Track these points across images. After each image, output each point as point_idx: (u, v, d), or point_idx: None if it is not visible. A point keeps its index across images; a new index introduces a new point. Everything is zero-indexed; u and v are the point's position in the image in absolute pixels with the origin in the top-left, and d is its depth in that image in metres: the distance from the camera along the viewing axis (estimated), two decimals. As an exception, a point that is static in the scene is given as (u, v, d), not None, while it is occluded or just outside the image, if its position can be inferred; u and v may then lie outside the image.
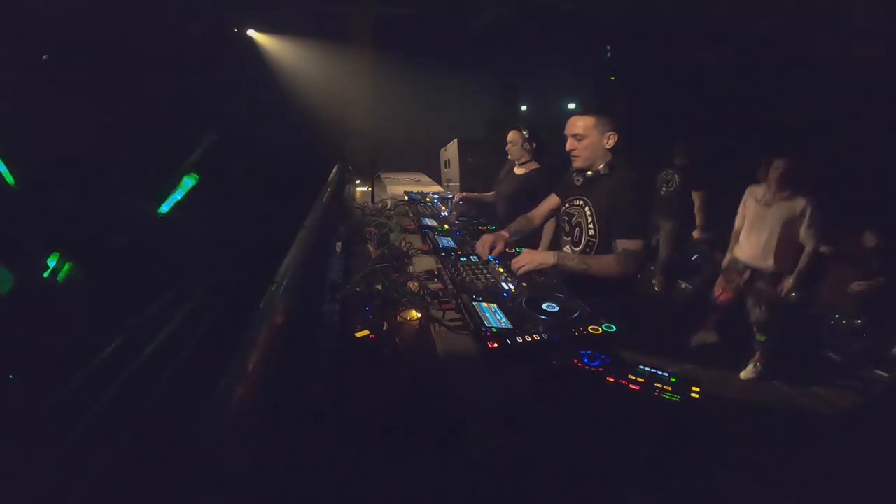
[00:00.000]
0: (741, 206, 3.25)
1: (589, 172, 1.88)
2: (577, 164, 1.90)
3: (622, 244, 1.75)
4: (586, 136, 1.84)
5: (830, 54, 4.14)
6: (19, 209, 3.56)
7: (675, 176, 4.21)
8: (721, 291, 3.38)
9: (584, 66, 6.77)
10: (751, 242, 3.15)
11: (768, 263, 3.05)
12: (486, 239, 1.93)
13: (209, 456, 0.64)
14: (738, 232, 3.26)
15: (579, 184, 1.92)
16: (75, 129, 5.02)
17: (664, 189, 4.27)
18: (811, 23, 4.33)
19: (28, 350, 2.34)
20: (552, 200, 2.15)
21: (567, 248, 2.00)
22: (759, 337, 3.14)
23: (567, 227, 2.02)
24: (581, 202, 1.93)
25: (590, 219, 1.87)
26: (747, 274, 3.18)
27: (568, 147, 1.90)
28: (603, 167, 1.85)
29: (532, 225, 2.18)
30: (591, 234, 1.88)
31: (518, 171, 2.91)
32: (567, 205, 2.02)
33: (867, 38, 3.92)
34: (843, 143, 3.80)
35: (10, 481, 1.52)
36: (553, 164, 2.88)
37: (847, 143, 3.79)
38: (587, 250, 1.89)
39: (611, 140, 1.83)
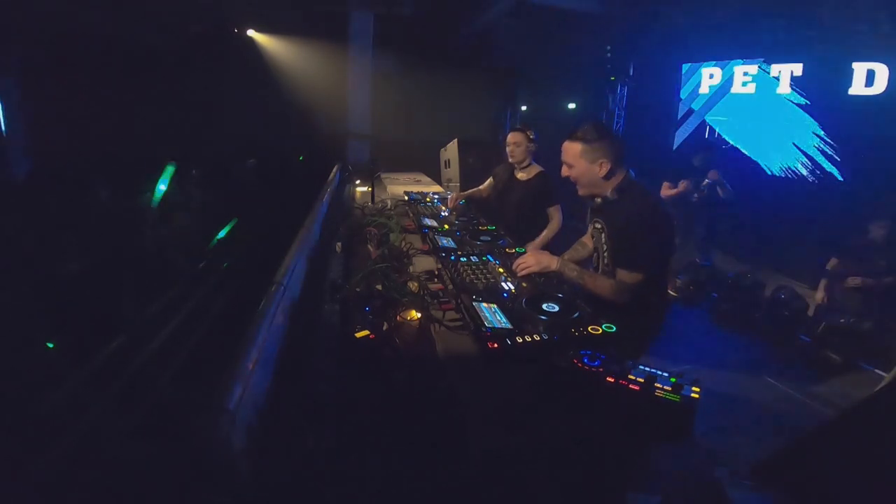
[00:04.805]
0: None
1: (598, 200, 1.79)
2: (580, 191, 1.83)
3: (620, 274, 1.70)
4: (574, 166, 1.76)
5: None
6: (22, 209, 3.56)
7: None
8: None
9: (585, 65, 6.76)
10: None
11: None
12: (539, 262, 1.70)
13: (210, 456, 0.64)
14: None
15: (596, 206, 1.84)
16: (75, 128, 5.02)
17: (696, 196, 4.32)
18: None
19: (28, 350, 2.34)
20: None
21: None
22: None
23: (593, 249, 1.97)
24: (600, 226, 1.85)
25: (605, 245, 1.81)
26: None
27: (562, 174, 1.83)
28: (611, 193, 1.74)
29: (588, 248, 2.04)
30: (605, 262, 1.82)
31: (521, 175, 2.88)
32: (591, 226, 1.94)
33: None
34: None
35: (10, 481, 1.52)
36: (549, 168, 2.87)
37: None
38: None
39: (603, 168, 1.72)
